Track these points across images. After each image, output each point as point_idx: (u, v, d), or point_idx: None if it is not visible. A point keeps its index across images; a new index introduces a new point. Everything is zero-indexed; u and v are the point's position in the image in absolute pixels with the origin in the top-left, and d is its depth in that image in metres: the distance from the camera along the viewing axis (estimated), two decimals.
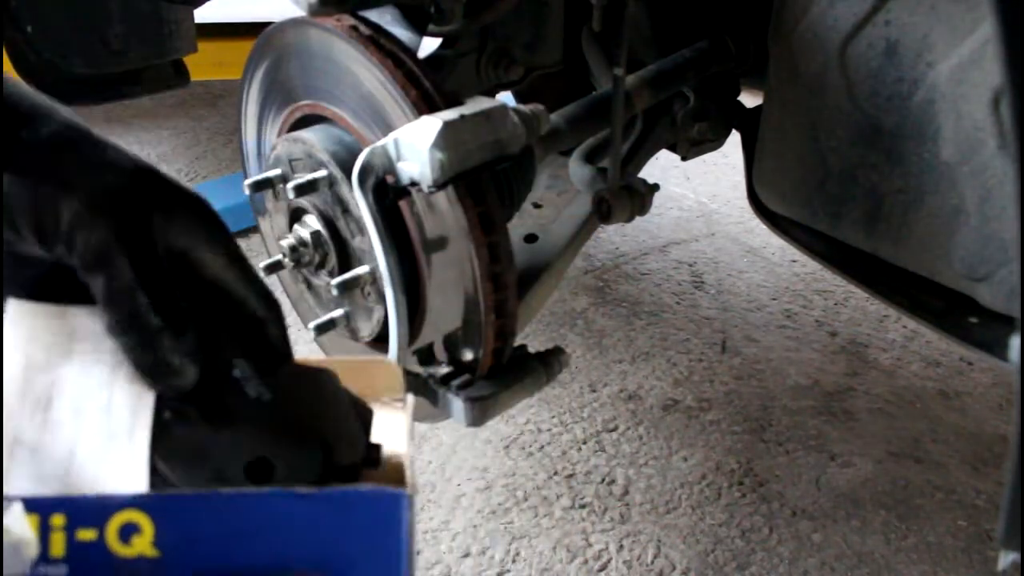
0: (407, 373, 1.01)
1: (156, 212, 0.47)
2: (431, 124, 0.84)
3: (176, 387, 0.47)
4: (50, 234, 0.45)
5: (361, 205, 0.89)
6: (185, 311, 0.46)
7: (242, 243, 2.45)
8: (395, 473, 0.56)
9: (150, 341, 0.45)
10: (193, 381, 0.47)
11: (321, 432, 0.53)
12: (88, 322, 0.49)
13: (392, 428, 0.59)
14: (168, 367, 0.46)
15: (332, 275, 1.08)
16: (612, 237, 2.52)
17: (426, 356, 1.04)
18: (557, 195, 1.42)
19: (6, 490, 0.44)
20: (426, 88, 0.94)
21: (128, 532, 0.42)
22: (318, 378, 0.54)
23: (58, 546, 0.41)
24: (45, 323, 0.49)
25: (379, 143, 0.87)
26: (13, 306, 0.48)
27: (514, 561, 1.49)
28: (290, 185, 0.99)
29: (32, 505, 0.41)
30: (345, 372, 0.57)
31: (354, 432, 0.55)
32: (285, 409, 0.51)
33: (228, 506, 0.44)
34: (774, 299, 2.25)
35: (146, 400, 0.48)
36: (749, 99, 1.46)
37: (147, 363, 0.46)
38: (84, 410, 0.48)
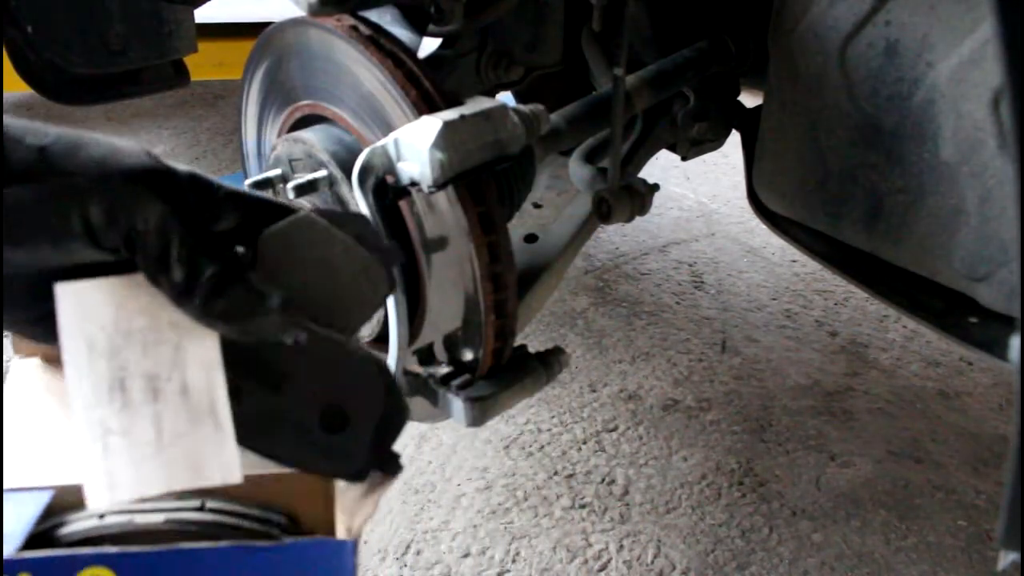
0: (407, 373, 1.01)
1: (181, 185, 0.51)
2: (431, 124, 0.84)
3: (263, 331, 0.49)
4: (105, 226, 0.47)
5: (361, 205, 0.89)
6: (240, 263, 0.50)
7: None
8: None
9: (241, 297, 0.49)
10: (279, 323, 0.49)
11: (377, 363, 0.55)
12: (142, 295, 0.50)
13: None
14: (255, 312, 0.49)
15: None
16: (612, 237, 2.52)
17: (426, 356, 1.04)
18: (557, 195, 1.42)
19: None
20: (426, 88, 0.94)
21: None
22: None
23: None
24: (98, 300, 0.49)
25: (379, 143, 0.87)
26: (61, 288, 0.48)
27: (514, 561, 1.49)
28: (290, 185, 0.99)
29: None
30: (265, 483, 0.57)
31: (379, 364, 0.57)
32: (328, 352, 0.52)
33: (190, 560, 0.47)
34: (774, 299, 2.26)
35: (218, 380, 0.50)
36: (749, 99, 1.46)
37: (235, 311, 0.49)
38: (161, 392, 0.48)
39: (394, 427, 0.56)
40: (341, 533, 0.54)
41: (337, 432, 0.54)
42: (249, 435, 0.54)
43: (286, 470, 0.55)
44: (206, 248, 0.49)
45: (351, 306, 0.56)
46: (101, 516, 0.52)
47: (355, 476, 0.56)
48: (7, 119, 0.49)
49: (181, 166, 0.53)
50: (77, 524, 0.52)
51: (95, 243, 0.48)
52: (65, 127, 0.51)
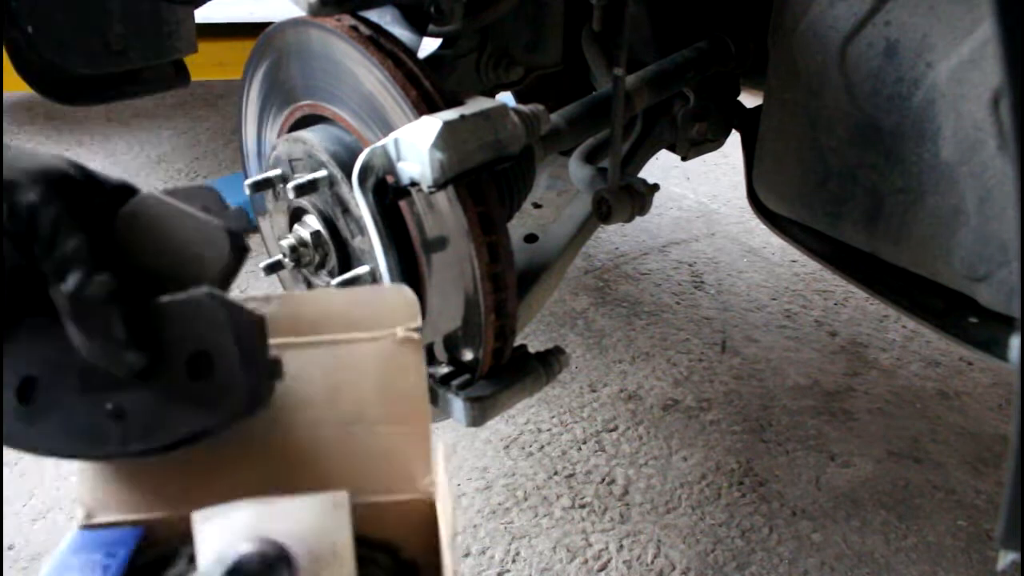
0: None
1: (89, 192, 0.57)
2: (431, 124, 0.84)
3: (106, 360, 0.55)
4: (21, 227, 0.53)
5: (361, 205, 0.89)
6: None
7: None
8: None
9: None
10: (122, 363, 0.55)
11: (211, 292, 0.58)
12: None
13: (425, 526, 0.58)
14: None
15: (332, 275, 1.08)
16: (612, 237, 2.52)
17: (426, 356, 1.04)
18: (557, 195, 1.42)
19: None
20: (426, 88, 0.94)
21: None
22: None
23: None
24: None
25: (379, 143, 0.87)
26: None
27: (514, 561, 1.49)
28: (290, 185, 0.99)
29: None
30: (359, 300, 0.58)
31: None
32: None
33: None
34: (774, 299, 2.26)
35: None
36: (749, 99, 1.46)
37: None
38: None
39: (255, 336, 0.58)
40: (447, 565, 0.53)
41: (205, 375, 0.57)
42: (156, 432, 0.56)
43: (379, 498, 0.57)
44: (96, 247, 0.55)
45: (198, 270, 0.59)
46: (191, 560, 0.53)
47: (252, 400, 0.57)
48: None
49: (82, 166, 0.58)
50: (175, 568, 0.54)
51: (3, 230, 0.53)
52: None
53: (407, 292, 0.59)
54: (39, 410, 0.56)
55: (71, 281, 0.54)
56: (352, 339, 0.60)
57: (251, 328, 0.57)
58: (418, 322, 0.59)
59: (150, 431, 0.56)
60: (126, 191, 0.59)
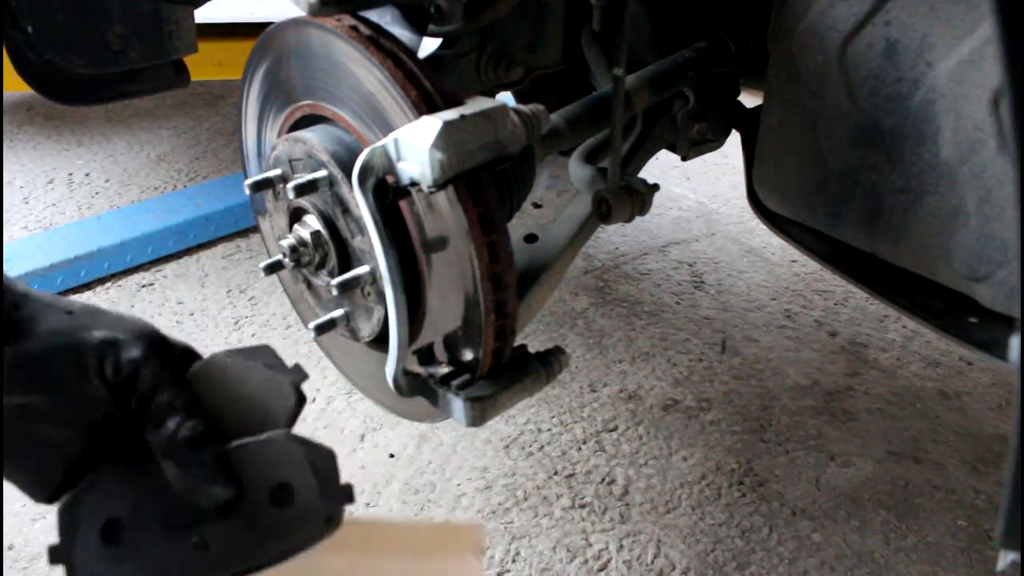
0: (407, 373, 1.01)
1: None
2: (431, 124, 0.84)
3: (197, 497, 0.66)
4: (119, 376, 0.64)
5: (361, 205, 0.89)
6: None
7: (242, 243, 2.45)
8: None
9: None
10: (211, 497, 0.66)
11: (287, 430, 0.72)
12: None
13: None
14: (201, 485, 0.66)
15: (332, 275, 1.08)
16: (612, 237, 2.52)
17: (426, 356, 1.04)
18: (557, 195, 1.42)
19: None
20: (426, 88, 0.94)
21: None
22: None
23: None
24: None
25: (379, 143, 0.87)
26: None
27: (514, 561, 1.49)
28: (290, 185, 0.99)
29: None
30: (430, 535, 0.66)
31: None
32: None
33: None
34: (774, 299, 2.26)
35: None
36: (749, 99, 1.46)
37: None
38: None
39: (329, 468, 0.69)
40: None
41: (288, 503, 0.67)
42: (241, 559, 0.65)
43: None
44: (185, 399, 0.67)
45: (265, 416, 0.70)
46: None
47: (329, 524, 0.67)
48: (35, 291, 0.65)
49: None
50: None
51: (106, 382, 0.64)
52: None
53: (478, 530, 0.70)
54: (125, 550, 0.64)
55: (170, 425, 0.64)
56: None
57: (326, 460, 0.69)
58: (481, 552, 0.70)
59: (234, 559, 0.65)
60: (191, 353, 0.73)
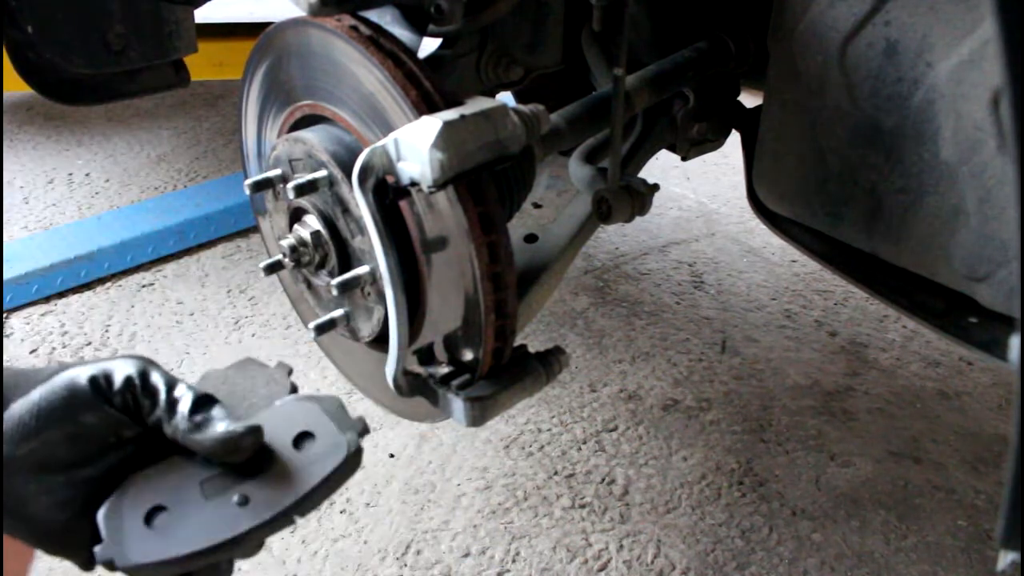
0: (407, 373, 1.01)
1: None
2: (431, 124, 0.84)
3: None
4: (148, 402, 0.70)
5: (361, 205, 0.89)
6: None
7: (242, 243, 2.44)
8: None
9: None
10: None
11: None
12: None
13: None
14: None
15: (332, 275, 1.08)
16: (612, 237, 2.52)
17: (426, 356, 1.04)
18: (557, 195, 1.42)
19: None
20: (426, 88, 0.94)
21: None
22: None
23: None
24: None
25: (379, 143, 0.87)
26: None
27: (514, 561, 1.49)
28: (290, 185, 0.99)
29: None
30: None
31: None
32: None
33: None
34: (774, 299, 2.26)
35: None
36: (749, 99, 1.46)
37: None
38: None
39: (340, 410, 0.78)
40: None
41: (307, 441, 0.75)
42: (278, 500, 0.71)
43: None
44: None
45: (269, 397, 0.80)
46: None
47: (352, 452, 0.76)
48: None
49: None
50: None
51: (113, 406, 0.69)
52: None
53: None
54: (172, 527, 0.68)
55: (184, 402, 0.70)
56: None
57: (335, 404, 0.77)
58: None
59: (276, 499, 0.70)
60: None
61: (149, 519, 0.68)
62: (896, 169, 0.99)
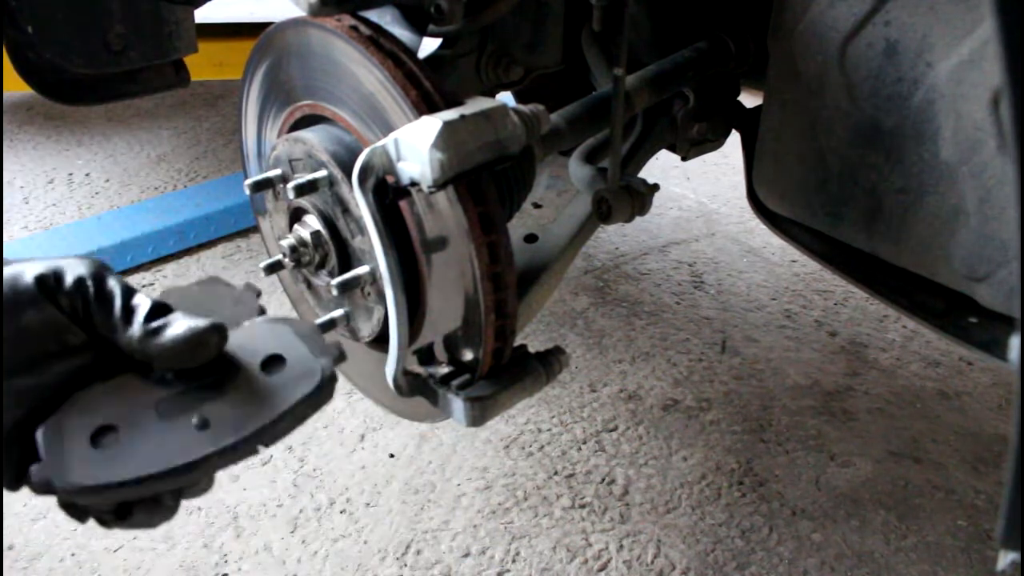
0: (407, 373, 1.01)
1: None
2: (431, 124, 0.84)
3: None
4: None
5: (361, 205, 0.89)
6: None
7: (242, 243, 2.45)
8: None
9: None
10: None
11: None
12: None
13: None
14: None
15: (332, 275, 1.08)
16: (612, 237, 2.52)
17: (426, 356, 1.04)
18: (557, 195, 1.42)
19: None
20: (426, 88, 0.94)
21: None
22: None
23: None
24: None
25: (379, 143, 0.87)
26: None
27: (514, 561, 1.49)
28: (290, 185, 0.99)
29: None
30: None
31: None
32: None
33: None
34: (774, 299, 2.26)
35: None
36: (749, 99, 1.46)
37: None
38: None
39: (314, 334, 0.71)
40: None
41: (281, 369, 0.68)
42: (241, 425, 0.64)
43: None
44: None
45: (237, 317, 0.74)
46: None
47: (325, 379, 0.68)
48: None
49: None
50: None
51: (56, 303, 0.62)
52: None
53: None
54: (120, 450, 0.61)
55: (142, 310, 0.64)
56: None
57: (308, 329, 0.70)
58: None
59: (239, 424, 0.63)
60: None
61: (96, 439, 0.61)
62: (896, 169, 0.99)
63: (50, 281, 0.62)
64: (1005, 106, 0.49)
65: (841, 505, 1.62)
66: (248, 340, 0.69)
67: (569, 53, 1.51)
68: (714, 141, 1.49)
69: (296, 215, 1.10)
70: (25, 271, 0.61)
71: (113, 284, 0.64)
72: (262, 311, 0.73)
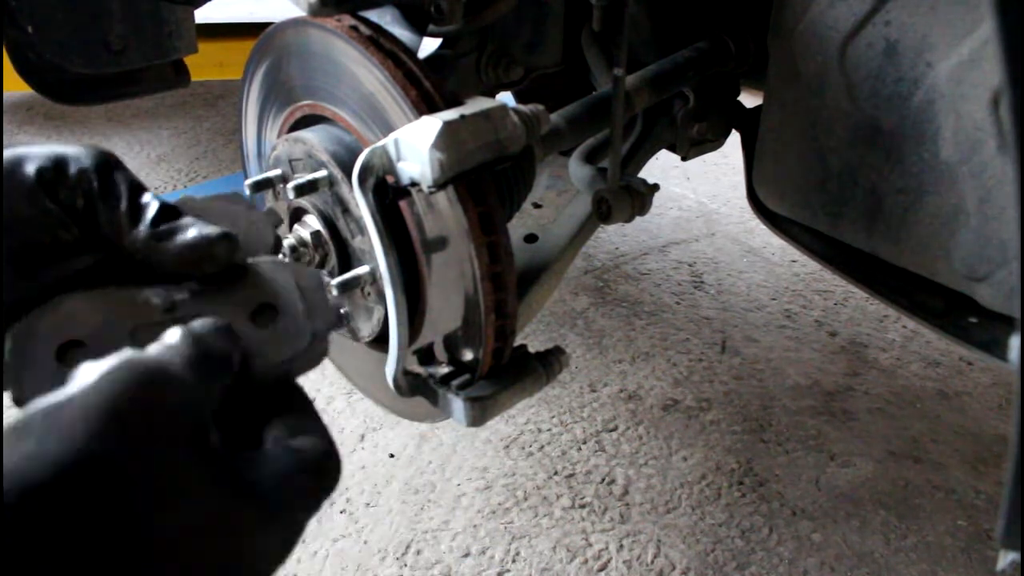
0: (407, 373, 1.01)
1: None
2: (431, 124, 0.84)
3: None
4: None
5: (361, 205, 0.89)
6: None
7: None
8: None
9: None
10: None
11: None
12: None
13: None
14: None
15: (332, 275, 1.08)
16: (612, 237, 2.52)
17: (426, 356, 1.04)
18: (557, 195, 1.42)
19: None
20: (426, 88, 0.94)
21: None
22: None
23: None
24: None
25: (379, 143, 0.87)
26: None
27: (514, 561, 1.49)
28: (290, 185, 0.99)
29: None
30: None
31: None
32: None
33: None
34: (774, 299, 2.26)
35: None
36: (749, 99, 1.46)
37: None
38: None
39: (317, 290, 0.64)
40: None
41: (271, 323, 0.61)
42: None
43: None
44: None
45: (246, 248, 0.65)
46: None
47: (315, 341, 0.62)
48: None
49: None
50: None
51: (54, 197, 0.57)
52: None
53: None
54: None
55: (150, 210, 0.59)
56: None
57: (313, 280, 0.63)
58: None
59: None
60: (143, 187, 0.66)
61: (62, 353, 0.57)
62: (896, 169, 0.99)
63: (50, 171, 0.57)
64: (1005, 106, 0.49)
65: (841, 505, 1.62)
66: (249, 278, 0.62)
67: (569, 53, 1.51)
68: (714, 141, 1.49)
69: (296, 215, 1.10)
70: (26, 159, 0.56)
71: (120, 179, 0.59)
72: (277, 243, 0.67)
